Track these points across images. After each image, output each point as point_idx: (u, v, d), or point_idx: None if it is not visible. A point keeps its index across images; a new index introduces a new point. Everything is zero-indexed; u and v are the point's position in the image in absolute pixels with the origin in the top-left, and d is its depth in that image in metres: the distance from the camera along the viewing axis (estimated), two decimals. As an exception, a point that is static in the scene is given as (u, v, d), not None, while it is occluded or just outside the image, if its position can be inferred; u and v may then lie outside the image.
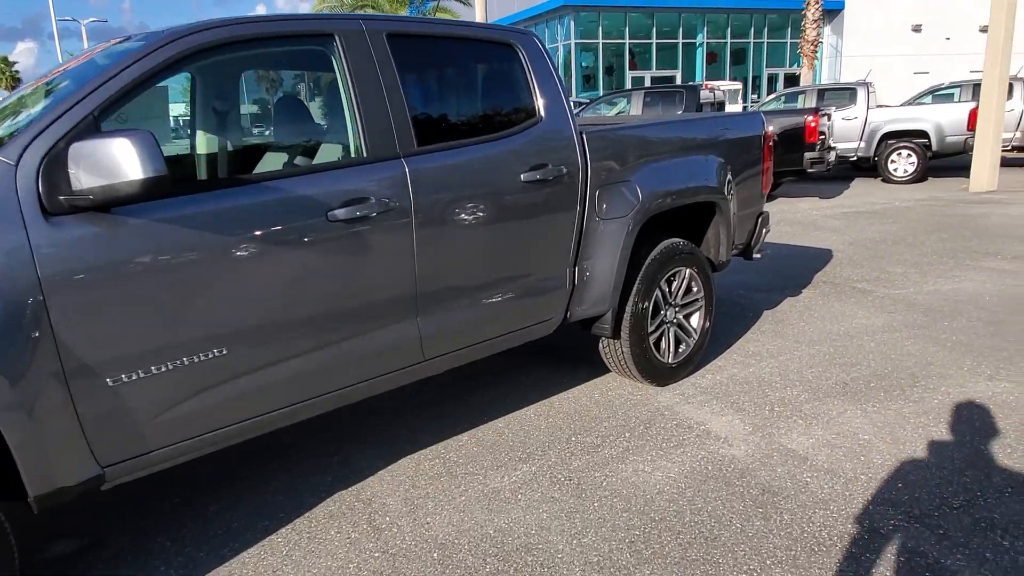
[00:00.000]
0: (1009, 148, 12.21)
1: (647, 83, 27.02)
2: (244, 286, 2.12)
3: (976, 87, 12.35)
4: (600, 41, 28.56)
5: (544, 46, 3.06)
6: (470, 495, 2.73)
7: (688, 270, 3.61)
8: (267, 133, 3.64)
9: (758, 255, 4.23)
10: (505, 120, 2.92)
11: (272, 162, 2.81)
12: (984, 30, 11.17)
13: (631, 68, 29.22)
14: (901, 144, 11.78)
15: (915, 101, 13.24)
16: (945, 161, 12.46)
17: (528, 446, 3.10)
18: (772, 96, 13.77)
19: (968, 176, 10.68)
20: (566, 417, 3.36)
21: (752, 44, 30.32)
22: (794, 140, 9.64)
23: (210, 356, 2.08)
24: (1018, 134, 12.31)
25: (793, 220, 8.71)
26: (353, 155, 2.47)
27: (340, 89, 2.46)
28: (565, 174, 2.95)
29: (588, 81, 28.99)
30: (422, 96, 2.87)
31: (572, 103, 2.87)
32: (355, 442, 3.22)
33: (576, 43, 27.80)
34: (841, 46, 28.85)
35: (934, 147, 11.58)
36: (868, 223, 8.19)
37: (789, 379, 3.70)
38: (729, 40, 29.93)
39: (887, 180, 11.96)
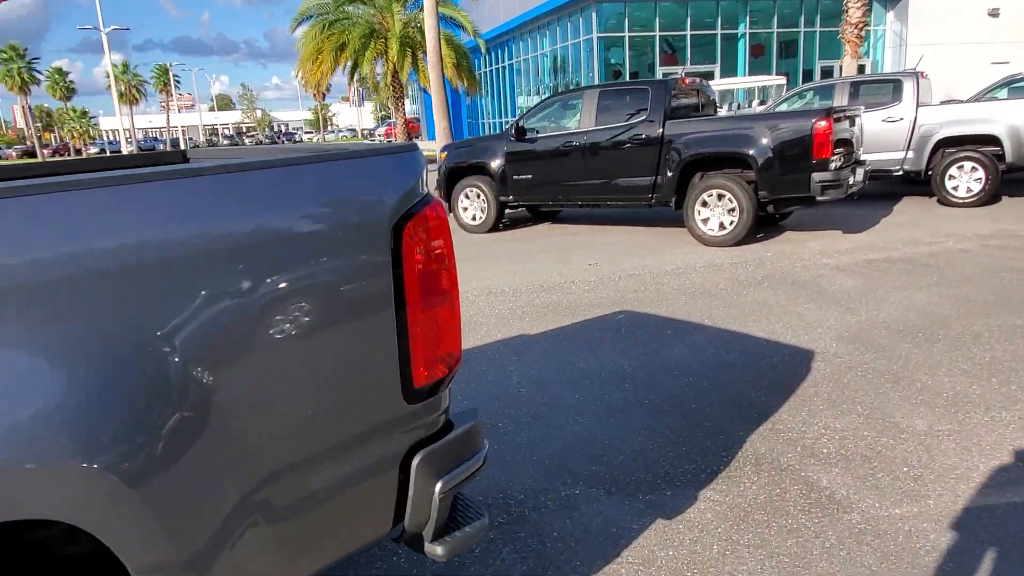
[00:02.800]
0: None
1: (679, 80, 23.98)
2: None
3: (1070, 75, 9.10)
4: (627, 35, 25.69)
5: None
6: None
7: None
8: None
9: (441, 550, 1.51)
10: None
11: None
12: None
13: (664, 63, 26.24)
14: (963, 154, 8.65)
15: (985, 96, 10.00)
16: (1026, 176, 9.25)
17: None
18: (792, 92, 10.68)
19: (1059, 200, 7.53)
20: None
21: (803, 34, 26.96)
22: (796, 155, 6.71)
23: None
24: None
25: (782, 276, 5.80)
26: None
27: None
28: None
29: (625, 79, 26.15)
30: None
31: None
32: None
33: (599, 37, 25.02)
34: (906, 34, 25.08)
35: (1009, 157, 8.40)
36: (895, 286, 5.25)
37: None
38: (776, 30, 26.64)
39: (944, 202, 8.86)
